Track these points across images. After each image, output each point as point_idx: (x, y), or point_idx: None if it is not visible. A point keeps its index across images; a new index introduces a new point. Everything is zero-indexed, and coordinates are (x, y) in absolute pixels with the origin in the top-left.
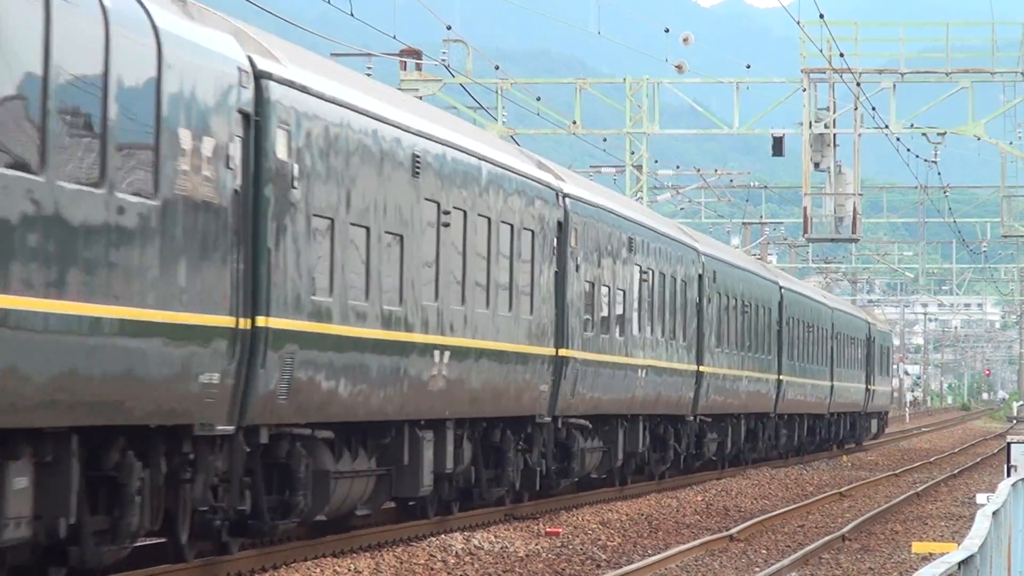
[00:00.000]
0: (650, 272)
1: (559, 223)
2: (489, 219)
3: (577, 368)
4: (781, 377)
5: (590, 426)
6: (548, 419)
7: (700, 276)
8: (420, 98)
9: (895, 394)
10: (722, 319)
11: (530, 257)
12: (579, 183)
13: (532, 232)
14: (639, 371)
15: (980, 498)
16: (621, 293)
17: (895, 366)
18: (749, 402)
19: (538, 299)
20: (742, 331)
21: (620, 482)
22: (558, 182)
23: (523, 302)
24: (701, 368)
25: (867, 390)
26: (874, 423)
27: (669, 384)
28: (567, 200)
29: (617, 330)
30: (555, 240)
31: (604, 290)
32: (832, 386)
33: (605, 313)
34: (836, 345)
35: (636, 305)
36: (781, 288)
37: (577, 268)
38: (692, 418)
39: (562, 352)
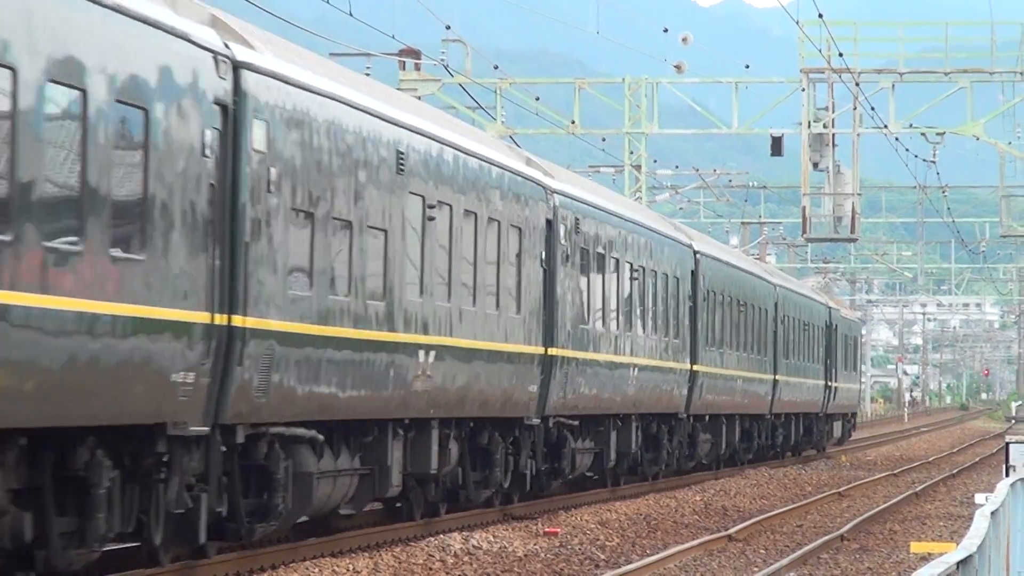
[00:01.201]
0: (642, 270)
1: (548, 220)
2: (476, 215)
3: (567, 367)
4: (696, 368)
5: (579, 426)
6: (537, 421)
7: (694, 272)
8: (419, 98)
9: (881, 393)
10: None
11: (518, 254)
12: (569, 180)
13: (520, 229)
14: (631, 370)
15: (979, 498)
16: (613, 291)
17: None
18: (647, 399)
19: (526, 297)
20: (635, 305)
21: (613, 483)
22: (547, 179)
23: (510, 300)
24: (695, 367)
25: (826, 387)
26: (837, 426)
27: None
28: (556, 197)
29: (608, 328)
30: (544, 237)
31: (595, 288)
32: (775, 381)
33: (597, 311)
34: (782, 331)
35: (628, 303)
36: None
37: (567, 265)
38: (686, 417)
39: (551, 351)
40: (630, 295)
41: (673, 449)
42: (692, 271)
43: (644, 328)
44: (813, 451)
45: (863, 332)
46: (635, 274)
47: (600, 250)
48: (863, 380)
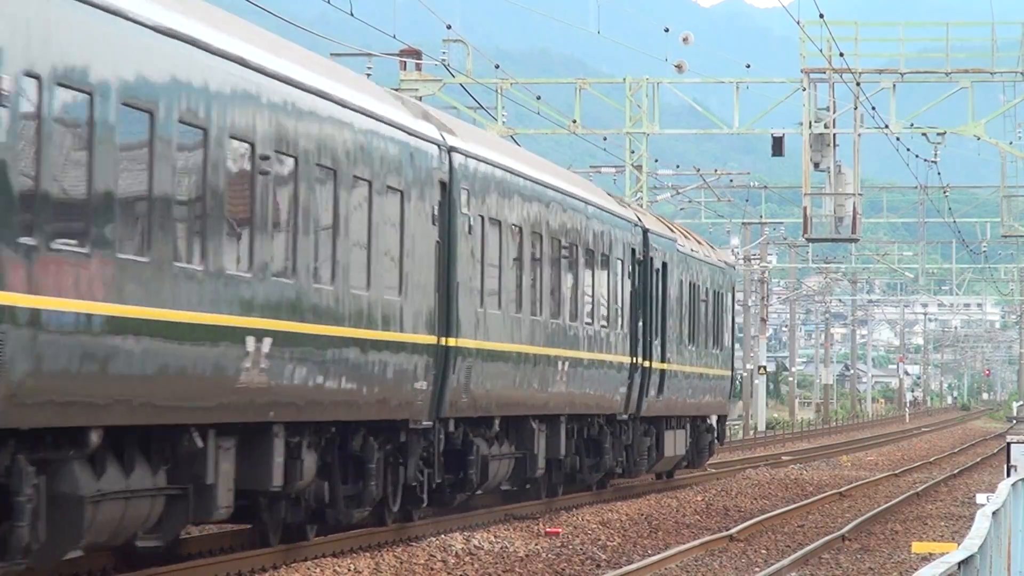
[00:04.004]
0: (573, 247)
1: (443, 184)
2: (335, 172)
3: (471, 361)
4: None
5: (499, 431)
6: (429, 423)
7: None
8: (419, 99)
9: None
10: None
11: (398, 223)
12: (475, 137)
13: (401, 193)
14: (559, 363)
15: (980, 498)
16: (532, 270)
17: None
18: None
19: (412, 276)
20: (565, 288)
21: (548, 493)
22: (444, 134)
23: (387, 278)
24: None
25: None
26: (674, 440)
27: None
28: (454, 156)
29: (529, 314)
30: (437, 204)
31: (509, 267)
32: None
33: (512, 294)
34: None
35: (555, 285)
36: (647, 232)
37: (471, 239)
38: (628, 419)
39: (449, 341)
40: (558, 276)
41: (612, 458)
42: (636, 249)
43: (576, 315)
44: (586, 489)
45: (736, 284)
46: (565, 252)
47: (516, 221)
48: (758, 365)
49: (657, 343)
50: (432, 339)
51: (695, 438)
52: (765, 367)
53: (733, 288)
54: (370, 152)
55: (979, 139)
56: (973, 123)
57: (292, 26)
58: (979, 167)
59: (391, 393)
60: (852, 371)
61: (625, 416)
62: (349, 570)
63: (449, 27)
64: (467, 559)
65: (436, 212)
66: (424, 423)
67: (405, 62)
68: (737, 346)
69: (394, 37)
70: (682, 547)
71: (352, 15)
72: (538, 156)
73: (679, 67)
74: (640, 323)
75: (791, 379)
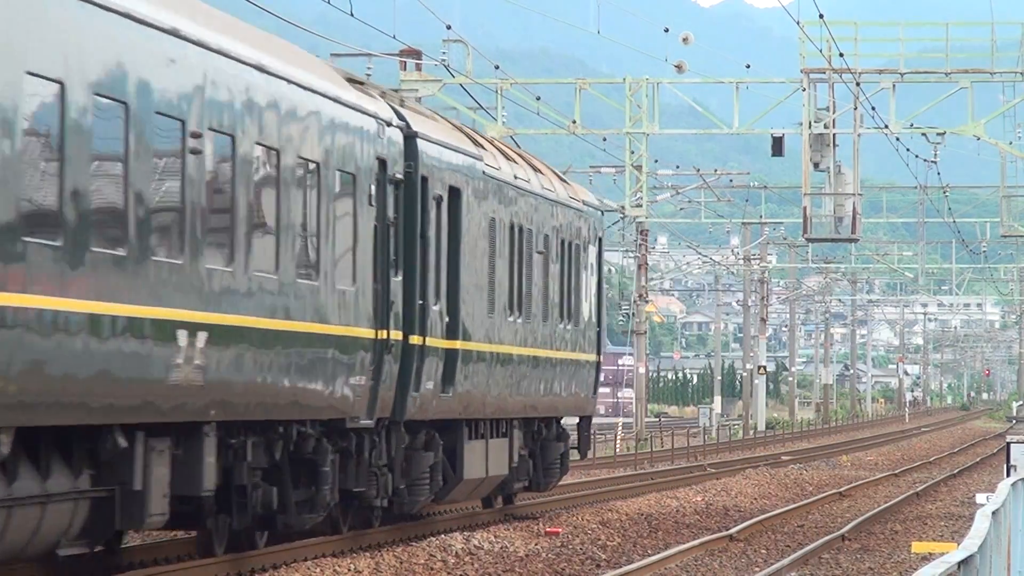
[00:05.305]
0: (530, 232)
1: (381, 161)
2: (277, 150)
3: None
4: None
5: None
6: (369, 423)
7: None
8: (419, 99)
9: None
10: None
11: (331, 205)
12: (416, 109)
13: (342, 173)
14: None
15: (980, 498)
16: (483, 258)
17: (867, 363)
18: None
19: (345, 263)
20: (516, 278)
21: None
22: (380, 107)
23: (318, 266)
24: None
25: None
26: (479, 456)
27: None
28: (391, 131)
29: (481, 309)
30: (378, 184)
31: (461, 254)
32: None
33: (468, 285)
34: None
35: (510, 273)
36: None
37: (414, 222)
38: (380, 426)
39: (393, 335)
40: (515, 262)
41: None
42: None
43: (529, 310)
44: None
45: (601, 231)
46: (522, 236)
47: (472, 197)
48: (758, 365)
49: (438, 309)
50: (370, 332)
51: (539, 449)
52: (765, 367)
53: (600, 240)
54: (300, 120)
55: (979, 139)
56: (973, 123)
57: (292, 26)
58: (979, 167)
59: (329, 389)
60: (852, 371)
61: (368, 422)
62: (349, 570)
63: (449, 27)
64: (467, 559)
65: (378, 193)
66: (362, 422)
67: (405, 62)
68: (736, 345)
69: (394, 37)
70: (682, 547)
71: (352, 15)
72: (480, 134)
73: (679, 67)
74: (400, 277)
75: (791, 379)
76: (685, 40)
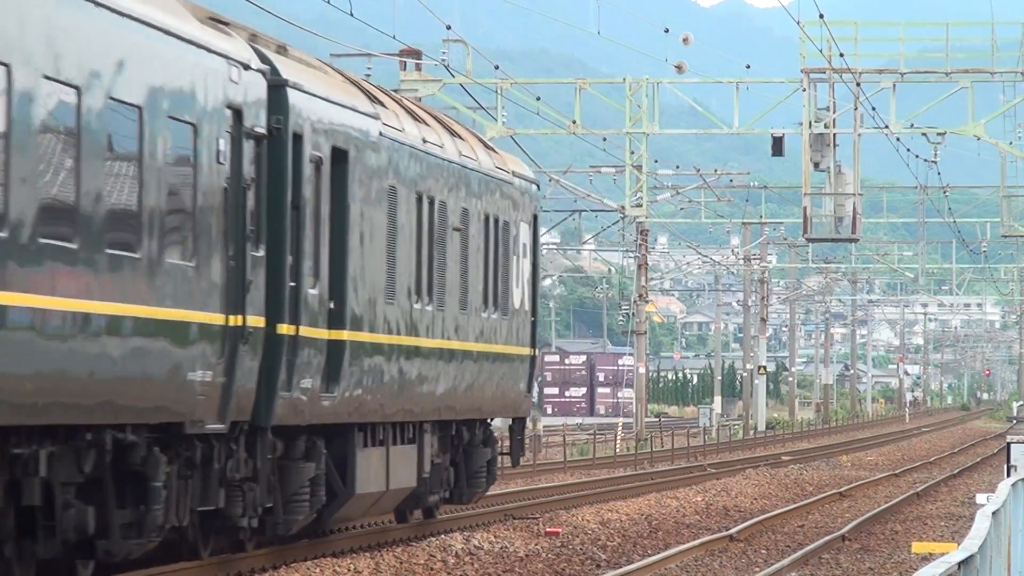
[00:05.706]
0: (439, 203)
1: (237, 111)
2: (77, 88)
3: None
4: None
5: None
6: (221, 427)
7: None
8: (419, 99)
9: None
10: None
11: (157, 160)
12: (289, 53)
13: (173, 120)
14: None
15: (980, 498)
16: (377, 230)
17: (867, 363)
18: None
19: (183, 232)
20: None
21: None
22: (236, 47)
23: (139, 226)
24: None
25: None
26: (378, 466)
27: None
28: (250, 75)
29: (379, 294)
30: (230, 138)
31: (347, 225)
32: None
33: (360, 266)
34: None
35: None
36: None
37: (280, 185)
38: (236, 431)
39: (251, 322)
40: (423, 240)
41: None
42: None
43: (441, 296)
44: None
45: (537, 208)
46: (433, 209)
47: (364, 161)
48: (758, 365)
49: (316, 293)
50: (219, 318)
51: (461, 456)
52: (765, 367)
53: (536, 219)
54: (86, 49)
55: (979, 139)
56: (973, 123)
57: (292, 26)
58: (979, 167)
59: (155, 389)
60: (852, 371)
61: (218, 426)
62: (349, 570)
63: (449, 27)
64: (467, 559)
65: (229, 148)
66: (210, 426)
67: (405, 62)
68: (736, 345)
69: (394, 37)
70: (682, 547)
71: (352, 15)
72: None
73: (679, 67)
74: (263, 253)
75: (791, 379)
76: (685, 40)
